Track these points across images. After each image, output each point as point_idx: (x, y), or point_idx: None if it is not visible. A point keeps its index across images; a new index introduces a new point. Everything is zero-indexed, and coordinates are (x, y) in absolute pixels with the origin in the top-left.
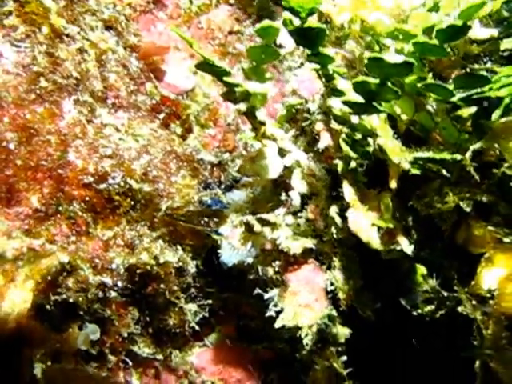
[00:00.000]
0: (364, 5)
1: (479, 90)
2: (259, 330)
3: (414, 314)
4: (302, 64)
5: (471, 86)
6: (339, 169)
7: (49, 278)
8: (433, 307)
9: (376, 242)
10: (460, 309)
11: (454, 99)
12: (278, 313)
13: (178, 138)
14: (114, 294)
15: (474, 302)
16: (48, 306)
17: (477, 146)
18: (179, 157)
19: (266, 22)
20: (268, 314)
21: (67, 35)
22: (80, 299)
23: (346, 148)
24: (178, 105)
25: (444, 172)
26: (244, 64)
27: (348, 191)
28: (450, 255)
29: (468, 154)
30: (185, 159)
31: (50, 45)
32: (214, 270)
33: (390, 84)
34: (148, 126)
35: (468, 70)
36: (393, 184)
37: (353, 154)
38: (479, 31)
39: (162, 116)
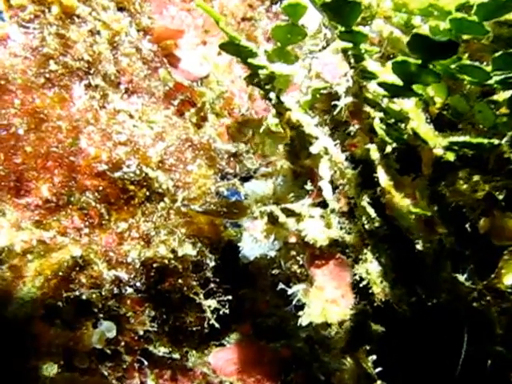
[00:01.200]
0: None
1: None
2: (276, 328)
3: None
4: (323, 48)
5: (511, 67)
6: (372, 154)
7: (60, 273)
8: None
9: (416, 230)
10: (475, 304)
11: (491, 82)
12: (300, 309)
13: (193, 126)
14: (129, 289)
15: (488, 298)
16: (60, 303)
17: None
18: (195, 145)
19: None
20: (291, 309)
21: (78, 16)
22: (94, 296)
23: (380, 132)
24: (192, 92)
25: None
26: (267, 45)
27: (383, 177)
28: (472, 245)
29: (505, 140)
30: (201, 148)
31: (60, 26)
32: (231, 266)
33: (431, 66)
34: (162, 112)
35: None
36: (426, 170)
37: (388, 139)
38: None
39: (176, 103)
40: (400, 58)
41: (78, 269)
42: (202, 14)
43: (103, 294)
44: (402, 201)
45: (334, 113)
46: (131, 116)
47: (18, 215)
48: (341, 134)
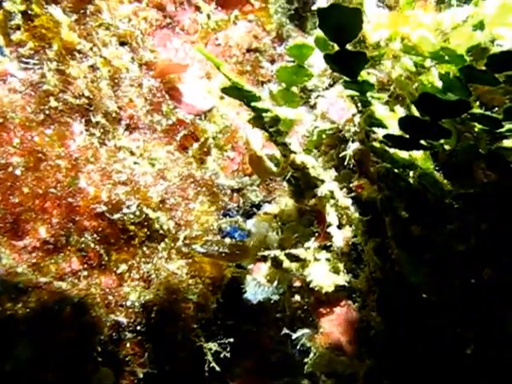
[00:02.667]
0: (406, 21)
1: None
2: (280, 364)
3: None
4: (330, 85)
5: None
6: (379, 204)
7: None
8: None
9: (427, 287)
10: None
11: (503, 130)
12: (304, 352)
13: (195, 161)
14: (129, 334)
15: None
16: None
17: None
18: (197, 181)
19: (299, 40)
20: (295, 353)
21: (79, 51)
22: (93, 340)
23: (383, 185)
24: (195, 126)
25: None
26: (272, 86)
27: (389, 227)
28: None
29: None
30: (203, 184)
31: (60, 62)
32: (234, 302)
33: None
34: (164, 148)
35: None
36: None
37: (392, 192)
38: None
39: (178, 138)
40: (409, 115)
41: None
42: (206, 45)
43: (102, 338)
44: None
45: (341, 155)
46: (132, 153)
47: (14, 260)
48: (346, 173)
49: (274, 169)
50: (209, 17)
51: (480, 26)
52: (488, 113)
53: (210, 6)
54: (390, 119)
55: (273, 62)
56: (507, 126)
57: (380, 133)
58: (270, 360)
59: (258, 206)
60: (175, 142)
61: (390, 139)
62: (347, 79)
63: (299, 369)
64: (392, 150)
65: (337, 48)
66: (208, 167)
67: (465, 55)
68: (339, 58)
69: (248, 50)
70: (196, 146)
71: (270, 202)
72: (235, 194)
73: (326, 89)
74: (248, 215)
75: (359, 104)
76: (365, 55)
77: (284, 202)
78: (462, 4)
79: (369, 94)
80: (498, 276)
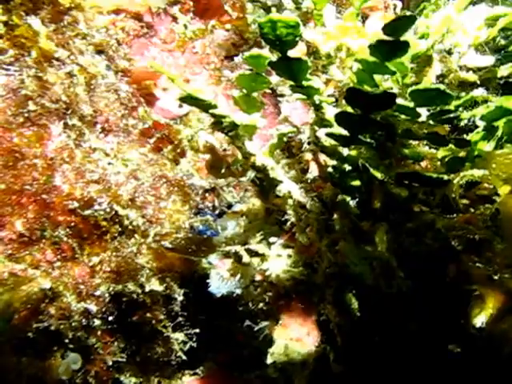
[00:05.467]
0: (348, 32)
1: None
2: (252, 359)
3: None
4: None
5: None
6: (328, 201)
7: (29, 305)
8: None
9: (370, 277)
10: (450, 347)
11: (423, 119)
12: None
13: (169, 162)
14: (98, 321)
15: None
16: (30, 334)
17: (468, 173)
18: (170, 181)
19: (254, 51)
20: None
21: (57, 59)
22: (62, 327)
23: (332, 181)
24: (170, 129)
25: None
26: (234, 92)
27: (338, 224)
28: (442, 290)
29: (457, 180)
30: (176, 184)
31: (38, 68)
32: (205, 298)
33: (372, 116)
34: (138, 150)
35: None
36: (376, 203)
37: (339, 188)
38: (475, 59)
39: (153, 140)
40: (342, 110)
41: (47, 301)
42: (183, 53)
43: (72, 324)
44: (354, 247)
45: (298, 157)
46: (106, 154)
47: None
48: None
49: (235, 171)
50: (186, 27)
51: (425, 35)
52: (410, 104)
53: (186, 16)
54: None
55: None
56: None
57: (324, 136)
58: (241, 354)
59: (231, 206)
60: (149, 145)
61: (331, 137)
62: (292, 84)
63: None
64: (340, 149)
65: None
66: (181, 168)
67: (405, 63)
68: (281, 65)
69: (226, 57)
70: (170, 147)
71: (240, 202)
72: (210, 194)
73: (290, 95)
74: (220, 215)
75: (312, 108)
76: (305, 62)
77: (252, 201)
78: (418, 16)
79: (316, 97)
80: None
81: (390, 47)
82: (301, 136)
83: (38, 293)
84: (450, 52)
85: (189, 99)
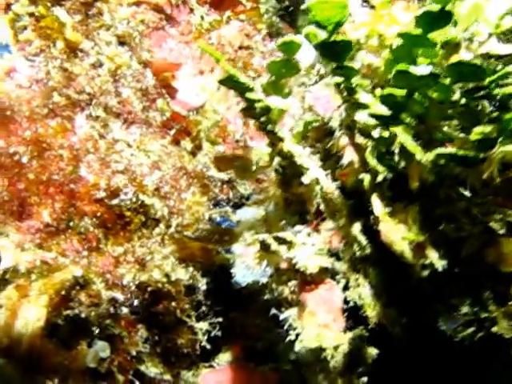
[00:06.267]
0: (381, 19)
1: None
2: (265, 352)
3: (456, 339)
4: (316, 82)
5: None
6: (366, 183)
7: (63, 292)
8: (472, 330)
9: (410, 255)
10: (495, 329)
11: (456, 97)
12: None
13: (188, 154)
14: (125, 310)
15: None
16: (60, 321)
17: (503, 148)
18: (189, 173)
19: (288, 37)
20: (282, 334)
21: (81, 50)
22: (92, 314)
23: (372, 161)
24: (188, 121)
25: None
26: (262, 79)
27: (378, 205)
28: (483, 274)
29: (491, 157)
30: (195, 176)
31: (64, 59)
32: (223, 289)
33: (416, 95)
34: (159, 142)
35: None
36: (413, 184)
37: (380, 167)
38: (497, 47)
39: (172, 132)
40: (387, 90)
41: (78, 288)
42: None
43: (100, 312)
44: (395, 227)
45: (328, 145)
46: (129, 145)
47: (21, 237)
48: (332, 163)
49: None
50: (202, 18)
51: (454, 23)
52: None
53: (203, 7)
54: (374, 104)
55: (264, 58)
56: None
57: (363, 117)
58: (256, 347)
59: (248, 198)
60: (169, 137)
61: (373, 117)
62: (334, 65)
63: (283, 356)
64: (377, 131)
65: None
66: (199, 160)
67: (438, 48)
68: (327, 46)
69: (240, 48)
70: (188, 140)
71: (259, 193)
72: (225, 186)
73: (313, 85)
74: (237, 206)
75: (345, 93)
76: (350, 43)
77: (272, 191)
78: None
79: (353, 79)
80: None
81: (435, 16)
82: (331, 124)
83: (71, 279)
84: (470, 40)
85: (228, 81)
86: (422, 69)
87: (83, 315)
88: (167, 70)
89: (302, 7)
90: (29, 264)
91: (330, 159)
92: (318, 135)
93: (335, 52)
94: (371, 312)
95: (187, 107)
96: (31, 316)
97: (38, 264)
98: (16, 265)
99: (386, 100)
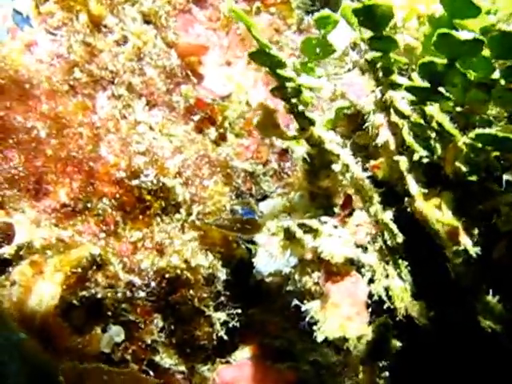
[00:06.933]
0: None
1: None
2: (283, 350)
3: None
4: (349, 70)
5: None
6: (402, 164)
7: (79, 270)
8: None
9: (445, 236)
10: None
11: (496, 76)
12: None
13: (211, 143)
14: (142, 294)
15: None
16: (75, 302)
17: None
18: (212, 162)
19: (325, 12)
20: (304, 326)
21: (105, 26)
22: (109, 295)
23: (409, 139)
24: (212, 110)
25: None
26: (294, 59)
27: (413, 185)
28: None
29: None
30: (218, 165)
31: (87, 34)
32: (242, 282)
33: (458, 65)
34: (182, 127)
35: None
36: (449, 168)
37: (416, 146)
38: None
39: (196, 119)
40: (427, 58)
41: (95, 268)
42: (227, 34)
43: (117, 295)
44: (430, 210)
45: (363, 127)
46: (151, 128)
47: (37, 214)
48: (362, 157)
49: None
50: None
51: (491, 11)
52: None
53: None
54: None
55: (292, 55)
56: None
57: (399, 96)
58: (273, 345)
59: (271, 193)
60: (192, 123)
61: (411, 90)
62: (373, 35)
63: (302, 355)
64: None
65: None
66: (223, 150)
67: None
68: (367, 10)
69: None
70: (212, 129)
71: (283, 187)
72: (248, 179)
73: (345, 73)
74: (260, 200)
75: (380, 74)
76: (391, 7)
77: (297, 183)
78: None
79: (391, 55)
80: None
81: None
82: (363, 105)
83: (88, 257)
84: None
85: (260, 54)
86: (465, 33)
87: (99, 296)
88: (194, 53)
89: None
90: (44, 241)
91: (360, 153)
92: (347, 130)
93: (375, 18)
94: (399, 304)
95: (213, 95)
96: (46, 293)
97: (54, 241)
98: (31, 241)
99: (424, 70)
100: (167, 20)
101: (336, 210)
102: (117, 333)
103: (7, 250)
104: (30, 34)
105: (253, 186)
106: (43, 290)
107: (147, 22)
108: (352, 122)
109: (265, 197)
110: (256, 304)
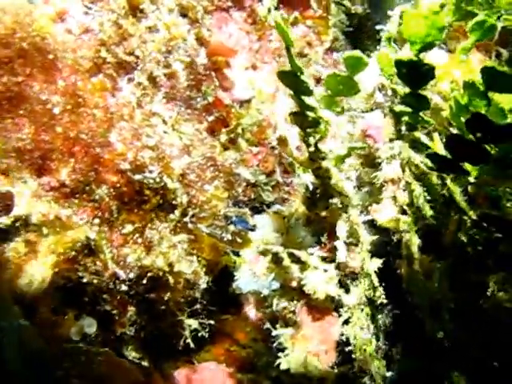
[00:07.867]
0: (459, 65)
1: None
2: (248, 361)
3: None
4: (371, 110)
5: None
6: (403, 223)
7: (72, 253)
8: None
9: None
10: None
11: None
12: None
13: (220, 146)
14: (124, 287)
15: None
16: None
17: None
18: (217, 166)
19: (356, 52)
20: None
21: (141, 10)
22: (94, 281)
23: (421, 201)
24: (228, 112)
25: None
26: (317, 90)
27: (407, 251)
28: None
29: None
30: (222, 170)
31: (121, 15)
32: (222, 291)
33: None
34: (194, 126)
35: None
36: (449, 237)
37: (427, 209)
38: None
39: (210, 119)
40: (456, 133)
41: (86, 252)
42: (259, 38)
43: (102, 283)
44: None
45: (372, 176)
46: (164, 122)
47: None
48: (365, 192)
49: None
50: (269, 10)
51: None
52: None
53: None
54: (434, 147)
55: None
56: None
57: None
58: (240, 354)
59: (269, 206)
60: (206, 123)
61: (432, 158)
62: (407, 91)
63: (265, 370)
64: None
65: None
66: (230, 155)
67: (506, 111)
68: (410, 65)
69: (299, 54)
70: (224, 132)
71: (281, 204)
72: (248, 188)
73: (367, 112)
74: (256, 211)
75: (403, 128)
76: (433, 69)
77: (295, 206)
78: None
79: (421, 113)
80: None
81: None
82: (380, 154)
83: (83, 241)
84: None
85: (289, 75)
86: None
87: (85, 280)
88: (222, 55)
89: (390, 13)
90: (42, 216)
91: (366, 186)
92: (360, 158)
93: (416, 75)
94: (359, 355)
95: (232, 98)
96: (36, 275)
97: (52, 218)
98: (29, 214)
99: (451, 143)
100: (203, 16)
101: (324, 239)
102: (89, 324)
103: (3, 220)
104: (63, 2)
105: (252, 194)
106: (34, 271)
107: (183, 14)
108: (363, 157)
109: (262, 209)
110: (232, 310)
